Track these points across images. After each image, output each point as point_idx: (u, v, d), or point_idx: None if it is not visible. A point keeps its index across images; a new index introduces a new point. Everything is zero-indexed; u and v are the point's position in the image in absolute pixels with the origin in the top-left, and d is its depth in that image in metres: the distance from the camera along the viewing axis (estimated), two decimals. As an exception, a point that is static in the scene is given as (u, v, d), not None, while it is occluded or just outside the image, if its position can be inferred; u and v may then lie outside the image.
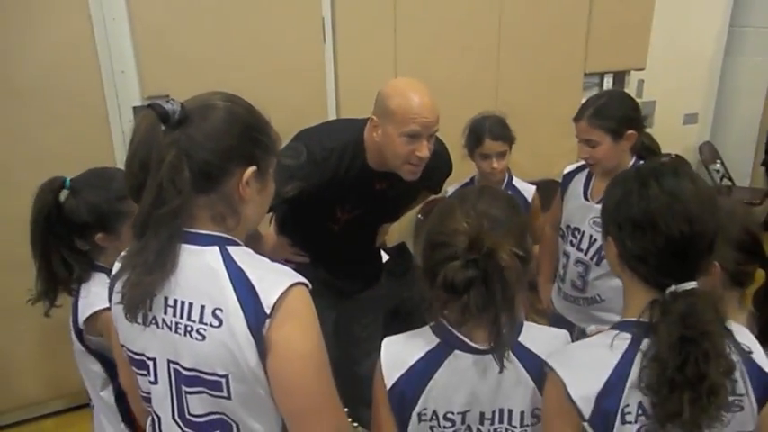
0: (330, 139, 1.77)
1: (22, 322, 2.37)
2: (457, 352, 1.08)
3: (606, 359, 0.99)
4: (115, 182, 1.42)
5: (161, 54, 2.49)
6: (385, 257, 2.40)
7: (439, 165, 1.93)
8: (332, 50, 2.82)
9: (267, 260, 0.99)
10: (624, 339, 1.00)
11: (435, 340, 1.10)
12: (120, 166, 2.58)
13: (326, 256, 1.94)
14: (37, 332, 2.50)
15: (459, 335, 1.08)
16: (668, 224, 0.97)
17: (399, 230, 2.68)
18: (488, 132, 2.11)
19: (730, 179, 4.29)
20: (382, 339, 1.15)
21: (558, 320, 2.06)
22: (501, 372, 1.04)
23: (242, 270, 0.94)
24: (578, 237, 1.94)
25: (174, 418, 1.01)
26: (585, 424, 0.98)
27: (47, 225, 1.37)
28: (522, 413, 1.09)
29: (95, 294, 1.39)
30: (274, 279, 0.94)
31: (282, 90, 2.63)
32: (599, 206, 1.84)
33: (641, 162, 1.87)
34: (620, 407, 0.97)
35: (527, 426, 1.09)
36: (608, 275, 1.84)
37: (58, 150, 2.34)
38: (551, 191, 2.30)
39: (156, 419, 1.06)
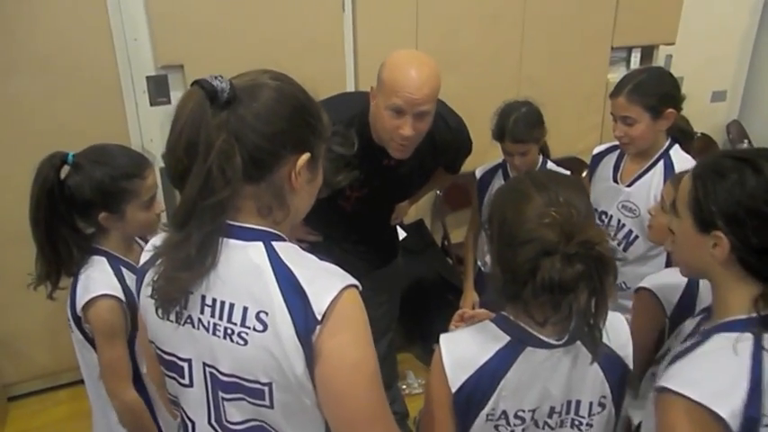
0: (337, 111, 1.69)
1: (36, 294, 2.36)
2: (529, 348, 1.02)
3: (736, 366, 0.92)
4: (118, 158, 1.36)
5: (175, 21, 2.41)
6: (402, 234, 2.35)
7: (453, 141, 1.86)
8: (351, 19, 2.72)
9: (315, 258, 0.91)
10: (746, 341, 0.93)
11: (505, 337, 1.03)
12: (133, 137, 2.54)
13: (339, 235, 1.89)
14: (50, 305, 2.47)
15: (531, 330, 1.02)
16: None
17: (416, 207, 2.62)
18: (510, 134, 1.97)
19: (758, 160, 4.17)
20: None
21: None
22: (592, 363, 1.00)
23: (290, 269, 0.85)
24: (605, 221, 1.87)
25: (210, 423, 0.95)
26: None
27: (49, 203, 1.31)
28: (591, 403, 1.05)
29: (94, 280, 1.35)
30: (325, 281, 0.85)
31: (299, 60, 2.55)
32: (629, 189, 1.82)
33: (676, 144, 1.79)
34: (763, 412, 0.90)
35: (594, 415, 1.06)
36: (636, 263, 1.79)
37: (69, 122, 2.30)
38: (574, 169, 2.22)
39: (189, 424, 0.98)
